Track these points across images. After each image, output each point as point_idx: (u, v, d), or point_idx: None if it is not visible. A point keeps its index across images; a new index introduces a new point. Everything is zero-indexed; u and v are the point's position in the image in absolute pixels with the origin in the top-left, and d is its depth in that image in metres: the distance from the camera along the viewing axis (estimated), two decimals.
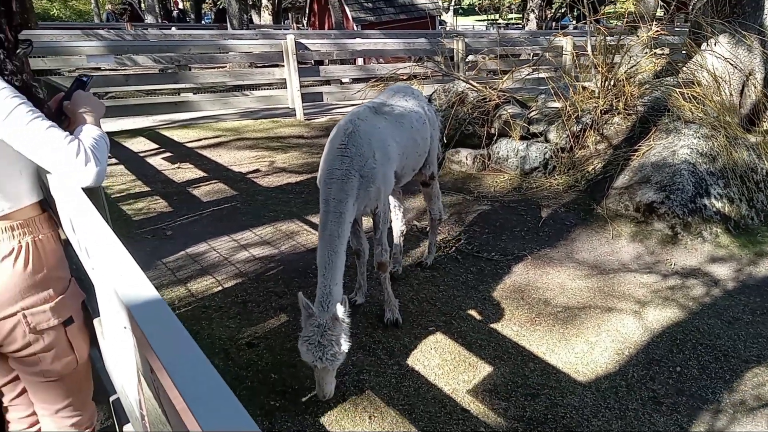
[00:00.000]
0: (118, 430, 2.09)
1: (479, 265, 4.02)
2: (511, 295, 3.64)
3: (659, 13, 10.78)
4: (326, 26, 19.63)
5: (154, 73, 10.10)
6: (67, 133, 1.47)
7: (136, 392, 1.33)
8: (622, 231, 4.49)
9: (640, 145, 5.26)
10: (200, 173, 6.05)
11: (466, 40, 10.28)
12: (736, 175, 4.76)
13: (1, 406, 1.85)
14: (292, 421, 2.54)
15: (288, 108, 9.01)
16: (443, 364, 2.94)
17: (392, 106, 3.27)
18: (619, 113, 5.80)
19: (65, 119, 1.65)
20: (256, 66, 11.27)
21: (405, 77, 8.05)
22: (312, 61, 11.59)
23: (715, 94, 5.70)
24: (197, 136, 7.78)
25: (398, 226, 3.79)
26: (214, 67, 11.62)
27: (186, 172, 6.06)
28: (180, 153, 6.86)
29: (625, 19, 7.03)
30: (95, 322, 1.86)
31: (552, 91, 6.43)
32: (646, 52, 6.86)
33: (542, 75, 8.09)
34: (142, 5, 25.31)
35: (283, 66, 8.84)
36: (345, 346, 2.43)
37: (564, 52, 10.23)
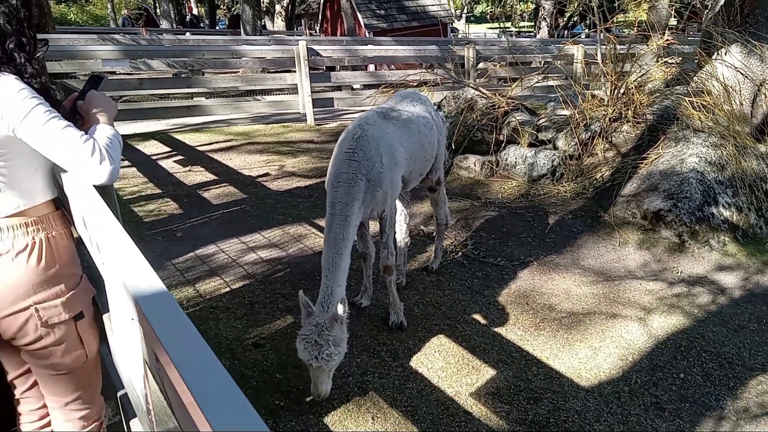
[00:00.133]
0: (125, 424, 2.13)
1: (485, 270, 4.05)
2: (516, 300, 3.65)
3: (672, 22, 10.79)
4: (338, 33, 19.76)
5: (167, 78, 10.25)
6: (83, 132, 1.52)
7: (142, 385, 1.37)
8: (629, 238, 4.50)
9: (648, 153, 5.26)
10: (211, 176, 6.12)
11: (477, 47, 10.34)
12: (745, 184, 4.75)
13: (13, 398, 1.91)
14: (296, 421, 2.58)
15: (299, 113, 9.09)
16: (447, 366, 2.96)
17: (400, 112, 3.32)
18: (628, 121, 5.80)
19: (80, 118, 1.70)
20: (268, 71, 11.38)
21: (415, 84, 8.10)
22: (323, 67, 11.68)
23: (726, 103, 5.69)
24: (209, 139, 7.88)
25: (402, 237, 3.77)
26: (226, 72, 11.75)
27: (197, 175, 6.14)
28: (191, 156, 6.95)
29: (636, 28, 7.06)
30: (104, 317, 1.91)
31: (561, 99, 6.46)
32: (657, 61, 6.87)
33: (552, 83, 8.12)
34: (158, 10, 25.61)
35: (294, 71, 8.94)
36: (342, 347, 2.45)
37: (575, 61, 10.25)
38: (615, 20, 7.28)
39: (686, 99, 5.58)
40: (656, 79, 6.67)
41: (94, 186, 1.60)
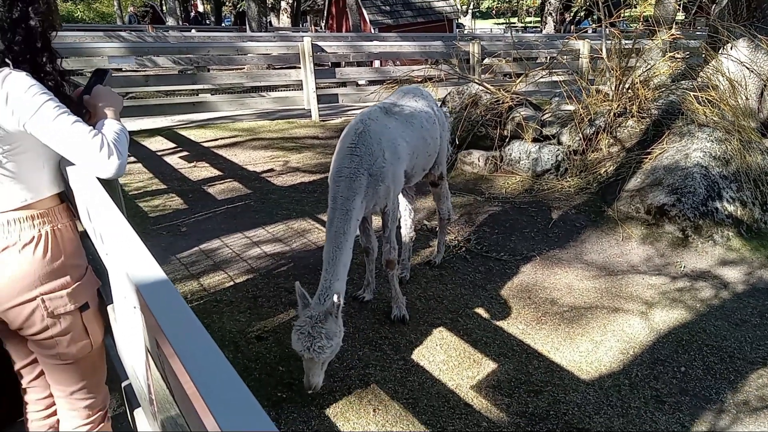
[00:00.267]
0: (129, 414, 2.17)
1: (488, 264, 4.06)
2: (518, 294, 3.67)
3: (680, 17, 10.73)
4: (344, 29, 19.76)
5: (173, 74, 10.27)
6: (91, 127, 1.56)
7: (145, 373, 1.40)
8: (633, 233, 4.50)
9: (652, 148, 5.25)
10: (216, 172, 6.16)
11: (482, 43, 10.32)
12: (750, 179, 4.74)
13: (20, 387, 1.94)
14: (298, 413, 2.61)
15: (304, 109, 9.12)
16: (448, 360, 2.98)
17: (402, 107, 3.33)
18: (632, 116, 5.79)
19: (86, 112, 1.73)
20: (273, 68, 11.41)
21: (420, 79, 8.10)
22: (329, 63, 11.70)
23: (731, 98, 5.67)
24: (214, 135, 7.92)
25: (407, 232, 3.79)
26: (232, 69, 11.79)
27: (202, 171, 6.18)
28: (196, 152, 6.99)
29: (640, 23, 7.04)
30: (108, 308, 1.94)
31: (565, 94, 6.45)
32: (663, 56, 6.85)
33: (557, 78, 8.10)
34: (164, 8, 25.71)
35: (299, 68, 8.95)
36: (335, 341, 2.45)
37: (580, 56, 10.23)
38: (621, 15, 7.26)
39: (691, 94, 5.56)
40: (662, 74, 6.65)
41: (101, 180, 1.64)
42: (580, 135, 5.79)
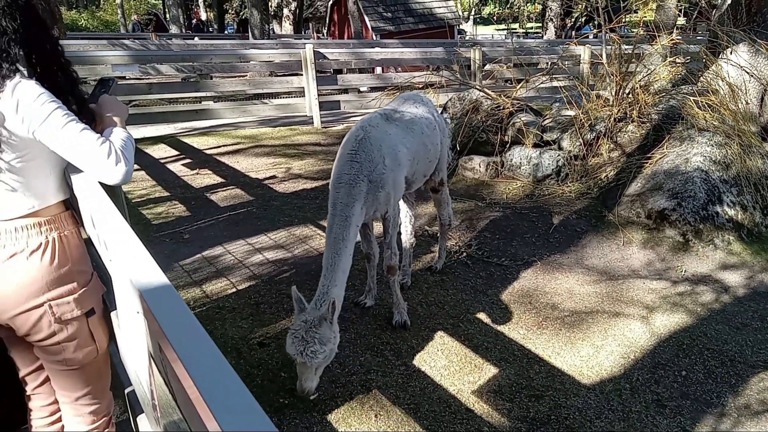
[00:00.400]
0: (132, 420, 2.19)
1: (489, 270, 4.08)
2: (519, 299, 3.68)
3: (680, 22, 10.77)
4: (346, 36, 19.85)
5: (176, 82, 10.34)
6: (99, 135, 1.59)
7: (148, 379, 1.42)
8: (633, 238, 4.51)
9: (653, 153, 5.27)
10: (218, 179, 6.20)
11: (483, 49, 10.36)
12: (750, 183, 4.75)
13: (24, 394, 1.97)
14: (300, 418, 2.62)
15: (306, 116, 9.16)
16: (449, 365, 3.00)
17: (403, 113, 3.36)
18: (633, 121, 5.81)
19: (92, 121, 1.77)
20: (275, 75, 11.47)
21: (421, 86, 8.14)
22: (331, 70, 11.75)
23: (732, 102, 5.69)
24: (216, 143, 7.96)
25: (407, 237, 3.80)
26: (234, 76, 11.85)
27: (204, 178, 6.22)
28: (199, 159, 7.03)
29: (641, 28, 7.07)
30: (112, 315, 1.96)
31: (566, 100, 6.47)
32: (663, 61, 6.88)
33: (557, 84, 8.13)
34: (167, 16, 25.86)
35: (302, 75, 9.00)
36: (328, 346, 2.44)
37: (581, 61, 10.26)
38: (622, 20, 7.29)
39: (691, 98, 5.58)
40: (662, 78, 6.67)
41: (109, 186, 1.67)
42: (581, 140, 5.81)
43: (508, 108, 6.33)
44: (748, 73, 5.89)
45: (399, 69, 12.35)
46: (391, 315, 3.36)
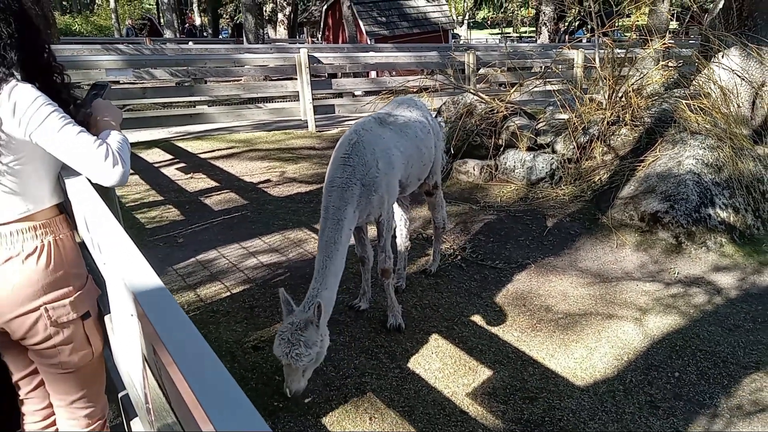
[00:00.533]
0: (126, 425, 2.18)
1: (483, 272, 4.09)
2: (513, 302, 3.70)
3: (673, 26, 10.84)
4: (340, 40, 19.88)
5: (170, 86, 10.34)
6: (95, 137, 1.60)
7: (142, 381, 1.42)
8: (627, 240, 4.54)
9: (646, 156, 5.30)
10: (212, 183, 6.20)
11: (477, 53, 10.41)
12: (742, 186, 4.78)
13: (17, 398, 1.96)
14: (294, 422, 2.62)
15: (300, 120, 9.17)
16: (444, 368, 3.00)
17: (396, 117, 3.37)
18: (626, 124, 5.85)
19: (86, 125, 1.77)
20: (270, 79, 11.47)
21: (415, 90, 8.17)
22: (325, 74, 11.76)
23: (723, 106, 5.74)
24: (210, 147, 7.96)
25: (402, 241, 3.81)
26: (229, 81, 11.85)
27: (198, 182, 6.21)
28: (193, 163, 7.03)
29: (633, 32, 7.12)
30: (106, 319, 1.96)
31: (559, 103, 6.51)
32: (656, 65, 6.93)
33: (551, 87, 8.18)
34: (162, 21, 25.85)
35: (296, 79, 9.02)
36: (314, 349, 2.43)
37: (574, 65, 10.32)
38: (615, 24, 7.34)
39: (684, 102, 5.62)
40: (655, 82, 6.73)
41: (103, 189, 1.68)
42: (574, 143, 5.84)
43: (502, 111, 6.35)
44: (739, 76, 5.95)
45: (393, 73, 12.38)
46: (385, 318, 3.37)
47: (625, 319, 3.48)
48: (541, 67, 11.72)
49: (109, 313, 1.93)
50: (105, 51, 11.09)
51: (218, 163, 7.01)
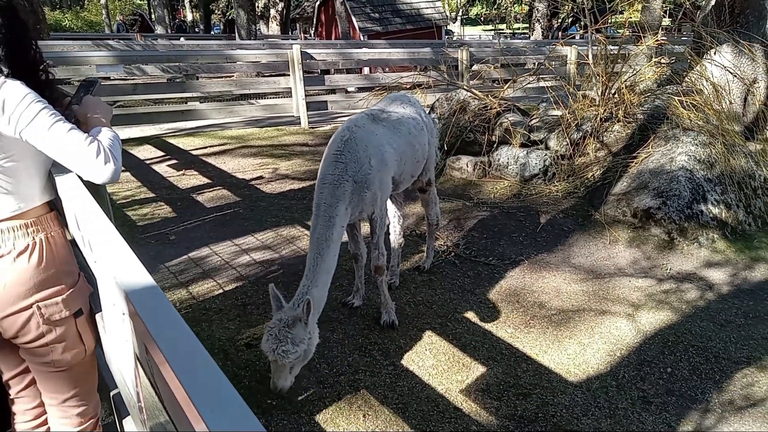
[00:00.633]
0: (118, 423, 2.17)
1: (476, 269, 4.09)
2: (506, 298, 3.70)
3: (665, 22, 10.87)
4: (333, 36, 19.84)
5: (161, 83, 10.26)
6: (87, 134, 1.58)
7: (134, 379, 1.41)
8: (620, 236, 4.55)
9: (638, 153, 5.32)
10: (204, 180, 6.16)
11: (471, 49, 10.40)
12: (734, 182, 4.81)
13: (7, 398, 1.94)
14: (288, 419, 2.61)
15: (293, 116, 9.13)
16: (437, 364, 3.00)
17: (389, 114, 3.36)
18: (619, 121, 5.86)
19: (75, 122, 1.75)
20: (262, 75, 11.42)
21: (408, 86, 8.15)
22: (318, 71, 11.73)
23: (716, 102, 5.76)
24: (203, 143, 7.91)
25: (396, 239, 3.78)
26: (221, 77, 11.78)
27: (190, 179, 6.18)
28: (185, 160, 6.98)
29: (626, 29, 7.13)
30: (97, 317, 1.95)
31: (552, 100, 6.51)
32: (649, 61, 6.95)
33: (544, 84, 8.19)
34: (153, 16, 25.67)
35: (289, 75, 8.97)
36: (300, 347, 2.41)
37: (568, 62, 10.34)
38: (607, 21, 7.35)
39: (676, 98, 5.64)
40: (647, 79, 6.74)
41: (94, 187, 1.66)
42: (568, 140, 5.85)
43: (495, 108, 6.35)
44: (731, 73, 5.97)
45: (386, 69, 12.37)
46: (379, 315, 3.36)
47: (617, 315, 3.50)
48: (534, 63, 11.74)
49: (101, 311, 1.92)
50: (95, 47, 11.02)
51: (210, 160, 6.97)
